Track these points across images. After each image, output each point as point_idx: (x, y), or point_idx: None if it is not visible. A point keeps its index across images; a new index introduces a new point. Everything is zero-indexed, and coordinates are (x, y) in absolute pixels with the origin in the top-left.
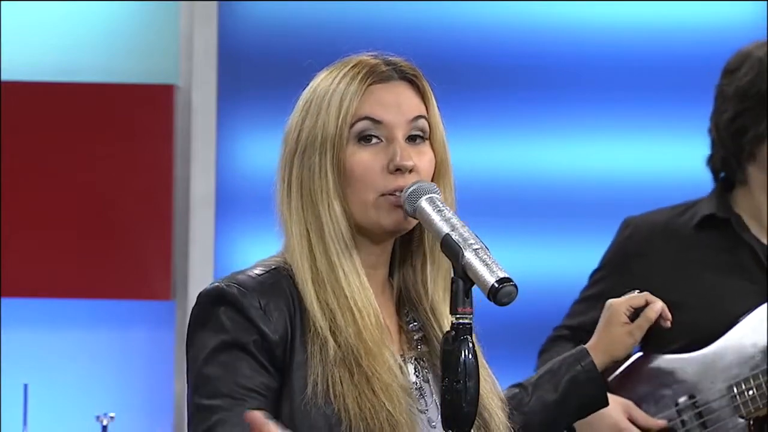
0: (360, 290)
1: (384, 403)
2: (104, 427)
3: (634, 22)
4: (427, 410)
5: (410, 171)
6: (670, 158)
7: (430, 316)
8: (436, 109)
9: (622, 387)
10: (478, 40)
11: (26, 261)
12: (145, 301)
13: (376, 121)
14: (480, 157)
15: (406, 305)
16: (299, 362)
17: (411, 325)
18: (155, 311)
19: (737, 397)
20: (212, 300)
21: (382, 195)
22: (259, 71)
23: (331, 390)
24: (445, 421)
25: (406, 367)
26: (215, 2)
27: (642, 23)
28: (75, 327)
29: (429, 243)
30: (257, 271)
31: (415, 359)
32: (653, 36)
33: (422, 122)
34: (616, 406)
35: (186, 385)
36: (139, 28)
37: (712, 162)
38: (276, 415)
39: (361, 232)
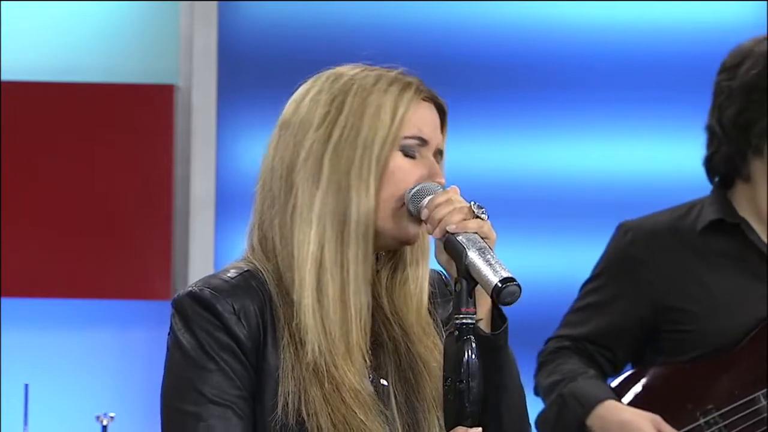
0: (364, 292)
1: (356, 412)
2: (104, 427)
3: (634, 22)
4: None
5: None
6: (671, 158)
7: (391, 318)
8: (444, 141)
9: (632, 399)
10: (479, 40)
11: (26, 261)
12: (145, 301)
13: (422, 142)
14: (480, 157)
15: None
16: (270, 368)
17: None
18: (155, 311)
19: (767, 407)
20: (187, 305)
21: (404, 205)
22: (259, 71)
23: (303, 408)
24: (448, 422)
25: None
26: (215, 2)
27: (642, 23)
28: (75, 327)
29: (410, 249)
30: (230, 273)
31: (373, 369)
32: (653, 36)
33: (440, 157)
34: (646, 420)
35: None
36: (139, 28)
37: (713, 161)
38: (254, 421)
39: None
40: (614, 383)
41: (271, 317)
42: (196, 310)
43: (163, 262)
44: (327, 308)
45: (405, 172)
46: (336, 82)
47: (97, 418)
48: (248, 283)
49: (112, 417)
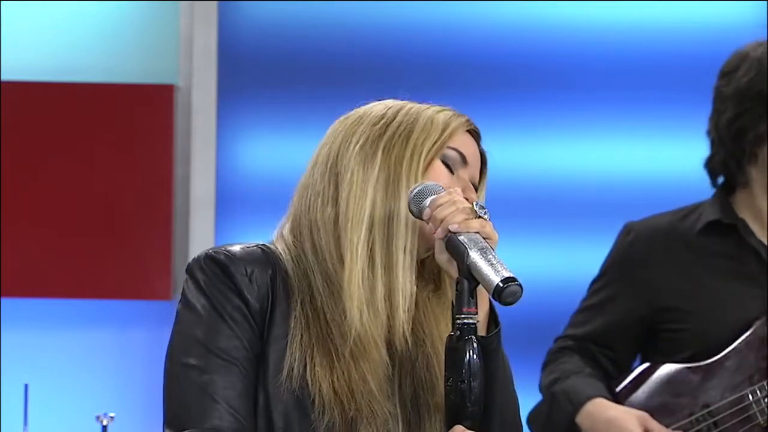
0: (410, 279)
1: (368, 379)
2: (104, 427)
3: (634, 22)
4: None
5: None
6: (671, 158)
7: (423, 327)
8: (483, 192)
9: (632, 397)
10: (479, 40)
11: (26, 261)
12: (145, 301)
13: (463, 160)
14: None
15: None
16: (278, 336)
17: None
18: (155, 311)
19: (753, 405)
20: (202, 265)
21: None
22: (259, 71)
23: (308, 375)
24: (449, 421)
25: None
26: (215, 2)
27: (642, 23)
28: (75, 327)
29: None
30: (246, 244)
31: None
32: (653, 36)
33: (474, 192)
34: (632, 417)
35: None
36: (139, 28)
37: (712, 164)
38: (256, 382)
39: None
40: (621, 383)
41: (284, 288)
42: (212, 270)
43: (163, 262)
44: (375, 284)
45: (441, 177)
46: (390, 101)
47: (97, 418)
48: (263, 254)
49: (112, 417)
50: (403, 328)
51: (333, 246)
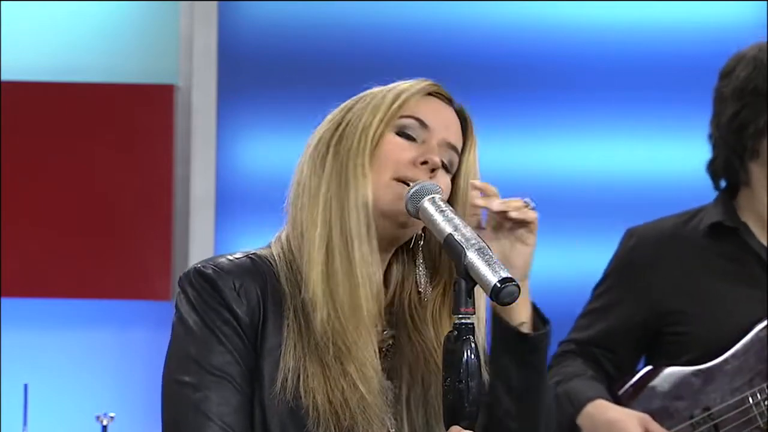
0: (372, 262)
1: (358, 386)
2: (104, 427)
3: (634, 22)
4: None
5: (433, 170)
6: (671, 158)
7: (417, 322)
8: (473, 156)
9: (634, 400)
10: (479, 40)
11: (26, 261)
12: (145, 301)
13: (422, 124)
14: (480, 157)
15: (386, 312)
16: (271, 347)
17: (384, 332)
18: (155, 311)
19: (753, 407)
20: (191, 281)
21: (396, 179)
22: (259, 71)
23: (301, 386)
24: (447, 421)
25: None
26: (215, 2)
27: (642, 23)
28: (75, 327)
29: (435, 254)
30: (236, 255)
31: (383, 370)
32: (653, 36)
33: (453, 155)
34: (633, 419)
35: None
36: (139, 28)
37: (714, 166)
38: (251, 396)
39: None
40: (628, 385)
41: (275, 298)
42: (201, 285)
43: (163, 262)
44: (335, 279)
45: (396, 148)
46: (352, 98)
47: (97, 418)
48: (253, 264)
49: (112, 417)
50: (374, 317)
51: (302, 250)
